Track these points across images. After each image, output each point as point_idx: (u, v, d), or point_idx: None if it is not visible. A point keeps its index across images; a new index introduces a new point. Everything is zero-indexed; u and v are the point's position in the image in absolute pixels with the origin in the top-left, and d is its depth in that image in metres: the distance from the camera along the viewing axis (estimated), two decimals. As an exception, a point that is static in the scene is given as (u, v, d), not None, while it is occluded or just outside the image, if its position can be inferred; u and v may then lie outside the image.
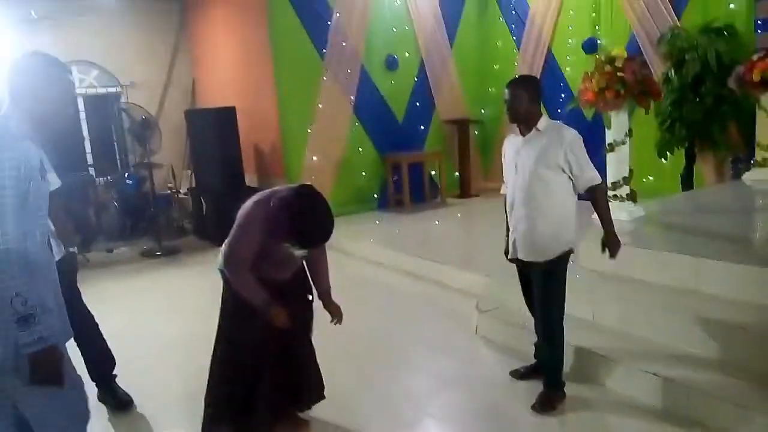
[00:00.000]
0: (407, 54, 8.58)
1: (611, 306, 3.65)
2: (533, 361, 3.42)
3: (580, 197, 3.08)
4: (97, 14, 8.57)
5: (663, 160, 6.66)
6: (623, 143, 4.61)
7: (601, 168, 7.23)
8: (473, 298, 4.52)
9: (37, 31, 8.16)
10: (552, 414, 3.05)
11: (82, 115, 8.81)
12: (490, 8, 9.16)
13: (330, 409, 3.19)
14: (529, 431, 2.97)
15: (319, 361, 3.09)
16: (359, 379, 3.59)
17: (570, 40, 7.98)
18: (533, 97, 3.00)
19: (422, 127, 8.86)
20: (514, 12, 8.74)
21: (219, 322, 2.88)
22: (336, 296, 3.00)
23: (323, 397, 3.08)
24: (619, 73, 4.36)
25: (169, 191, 8.41)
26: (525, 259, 3.09)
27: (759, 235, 4.46)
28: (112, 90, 8.92)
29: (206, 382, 2.89)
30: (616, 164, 4.66)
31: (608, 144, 4.69)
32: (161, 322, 4.93)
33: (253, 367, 2.79)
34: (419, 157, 8.56)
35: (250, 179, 8.31)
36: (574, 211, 3.05)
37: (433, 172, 8.74)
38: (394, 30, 8.44)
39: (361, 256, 6.32)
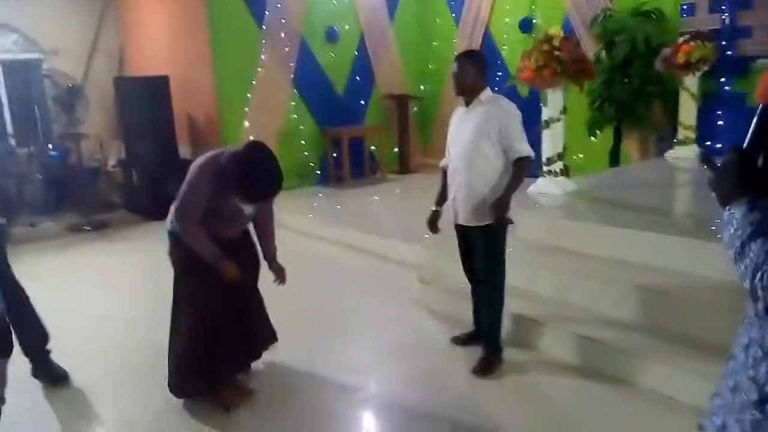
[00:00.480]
0: (347, 26, 8.50)
1: (547, 275, 3.81)
2: (472, 327, 3.54)
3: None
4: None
5: (592, 138, 6.95)
6: (558, 120, 4.77)
7: (536, 144, 7.54)
8: (414, 269, 4.61)
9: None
10: (490, 377, 3.19)
11: (0, 83, 8.24)
12: (429, -17, 9.18)
13: (276, 380, 3.20)
14: (470, 394, 3.08)
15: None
16: (304, 351, 3.60)
17: (507, 19, 8.12)
18: (479, 71, 3.14)
19: (362, 102, 8.84)
20: (453, -12, 8.80)
21: (174, 286, 2.95)
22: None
23: (276, 339, 3.26)
24: (556, 52, 4.49)
25: (96, 163, 8.03)
26: (466, 224, 3.22)
27: (680, 208, 4.77)
28: (33, 56, 8.37)
29: (168, 343, 2.98)
30: (551, 141, 4.82)
31: (544, 121, 4.84)
32: (91, 299, 4.74)
33: (213, 320, 2.87)
34: (359, 131, 8.55)
35: (184, 151, 8.04)
36: (517, 173, 3.13)
37: (372, 148, 8.75)
38: (334, 1, 8.33)
39: (303, 230, 6.28)
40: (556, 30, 4.69)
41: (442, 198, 3.40)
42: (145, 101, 7.20)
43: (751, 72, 5.86)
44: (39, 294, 3.36)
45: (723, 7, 6.04)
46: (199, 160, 2.77)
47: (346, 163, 8.12)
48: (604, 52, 6.52)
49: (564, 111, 4.81)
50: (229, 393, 3.00)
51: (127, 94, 7.57)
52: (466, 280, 3.45)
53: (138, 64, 8.84)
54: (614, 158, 6.88)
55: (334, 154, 8.27)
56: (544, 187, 4.81)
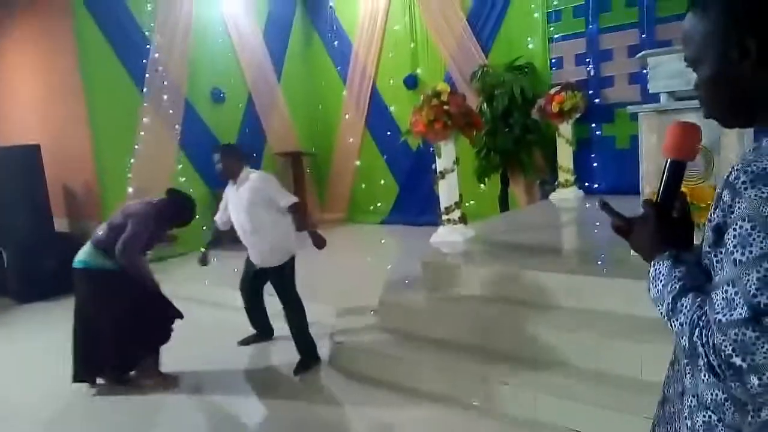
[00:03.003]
0: (233, 85, 8.41)
1: (456, 322, 3.82)
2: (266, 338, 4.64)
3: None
4: None
5: (482, 185, 7.28)
6: (452, 170, 4.92)
7: (430, 194, 7.80)
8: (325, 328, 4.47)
9: None
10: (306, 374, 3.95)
11: None
12: (314, 44, 9.35)
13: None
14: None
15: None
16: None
17: (391, 80, 8.42)
18: (236, 158, 4.13)
19: (255, 161, 8.68)
20: (338, 48, 9.01)
21: (78, 306, 3.94)
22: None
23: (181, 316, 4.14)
24: (445, 107, 4.68)
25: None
26: (263, 266, 4.19)
27: (568, 246, 5.04)
28: None
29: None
30: (448, 190, 4.95)
31: (439, 172, 4.97)
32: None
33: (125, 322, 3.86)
34: (252, 191, 8.34)
35: (60, 224, 7.44)
36: (289, 227, 4.18)
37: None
38: (219, 63, 8.23)
39: (200, 298, 5.91)
40: (443, 86, 4.90)
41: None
42: (14, 172, 6.60)
43: (616, 118, 6.46)
44: None
45: (587, 60, 6.67)
46: (137, 207, 3.97)
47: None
48: (485, 105, 6.92)
49: (457, 161, 4.98)
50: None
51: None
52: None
53: (6, 133, 8.14)
54: (503, 203, 7.24)
55: (228, 216, 7.99)
56: (445, 236, 4.91)
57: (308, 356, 4.09)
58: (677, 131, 1.10)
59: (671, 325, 0.97)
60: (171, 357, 4.14)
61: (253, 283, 4.45)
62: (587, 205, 6.02)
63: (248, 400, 3.80)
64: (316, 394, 3.74)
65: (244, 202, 4.04)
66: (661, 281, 1.01)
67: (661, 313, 1.00)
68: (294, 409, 3.56)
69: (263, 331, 4.69)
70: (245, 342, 4.66)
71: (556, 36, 6.90)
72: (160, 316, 4.07)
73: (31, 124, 7.62)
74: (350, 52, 8.80)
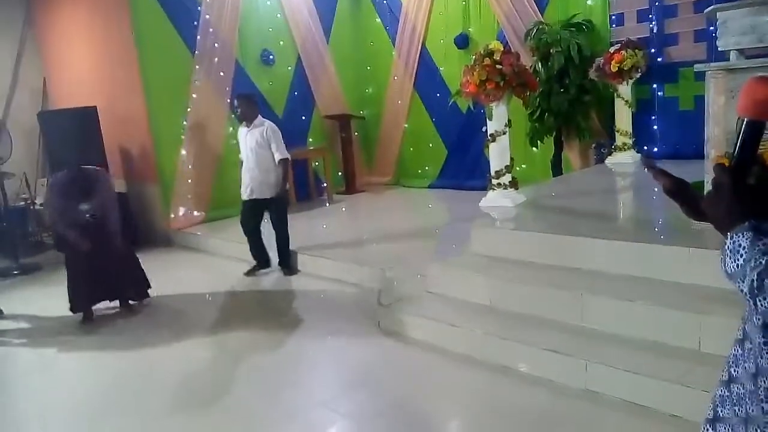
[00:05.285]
0: (283, 48, 8.37)
1: (505, 288, 3.76)
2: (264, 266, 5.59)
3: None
4: None
5: (534, 149, 7.08)
6: (504, 133, 4.79)
7: (479, 157, 7.66)
8: (372, 292, 4.50)
9: None
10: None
11: None
12: (363, 4, 9.18)
13: (237, 421, 3.01)
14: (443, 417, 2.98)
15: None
16: (267, 383, 3.41)
17: (441, 39, 8.20)
18: (253, 106, 5.38)
19: (303, 124, 8.70)
20: (387, 7, 8.82)
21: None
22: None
23: (146, 296, 4.98)
24: (498, 66, 4.52)
25: (24, 203, 7.53)
26: (260, 197, 5.28)
27: (625, 213, 4.86)
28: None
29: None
30: (498, 154, 4.83)
31: (490, 135, 4.85)
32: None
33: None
34: (302, 153, 8.39)
35: (118, 184, 7.66)
36: (284, 168, 5.33)
37: (316, 167, 8.61)
38: (269, 25, 8.20)
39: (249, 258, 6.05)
40: (496, 44, 4.73)
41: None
42: (72, 134, 6.79)
43: (680, 78, 6.11)
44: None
45: (651, 16, 6.29)
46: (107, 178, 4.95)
47: (291, 187, 7.92)
48: (539, 64, 6.65)
49: (508, 123, 4.83)
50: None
51: (52, 128, 7.13)
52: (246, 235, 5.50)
53: (63, 96, 8.39)
54: (556, 167, 7.02)
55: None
56: (495, 200, 4.81)
57: (287, 263, 5.49)
58: (755, 87, 1.00)
59: (756, 303, 0.88)
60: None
61: (250, 218, 5.38)
62: (645, 170, 5.77)
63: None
64: (366, 351, 3.77)
65: (253, 142, 5.23)
66: (741, 255, 0.91)
67: (741, 289, 0.91)
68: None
69: (263, 261, 5.56)
70: (249, 273, 5.52)
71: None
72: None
73: (89, 89, 7.81)
74: (399, 11, 8.61)
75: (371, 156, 9.53)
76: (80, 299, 4.75)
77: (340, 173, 8.96)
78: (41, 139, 7.63)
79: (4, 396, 3.73)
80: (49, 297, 5.27)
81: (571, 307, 3.36)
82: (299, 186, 8.14)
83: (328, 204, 8.19)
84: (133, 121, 7.32)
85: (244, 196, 5.37)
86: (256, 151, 5.24)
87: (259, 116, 5.34)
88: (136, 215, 7.35)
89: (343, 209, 7.89)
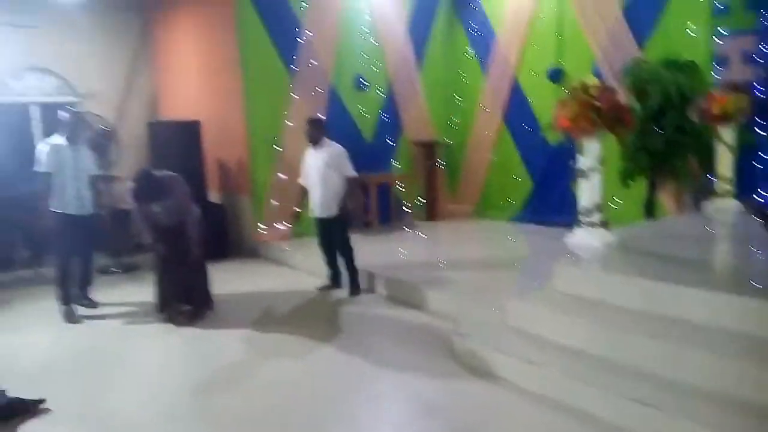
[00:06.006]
0: (375, 73, 8.60)
1: (587, 329, 3.66)
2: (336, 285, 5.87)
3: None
4: (56, 22, 8.28)
5: (626, 188, 6.84)
6: (596, 170, 4.68)
7: (566, 193, 7.49)
8: (446, 320, 4.49)
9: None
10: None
11: (37, 124, 8.44)
12: (456, 34, 9.30)
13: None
14: None
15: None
16: (334, 405, 3.48)
17: (535, 69, 8.16)
18: (322, 129, 5.67)
19: (390, 148, 8.87)
20: (481, 38, 8.89)
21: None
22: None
23: (209, 308, 5.32)
24: (593, 102, 4.45)
25: (127, 206, 8.07)
26: (325, 216, 5.58)
27: (722, 263, 4.60)
28: (70, 99, 8.58)
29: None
30: (589, 191, 4.71)
31: (580, 171, 4.75)
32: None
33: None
34: (386, 177, 8.55)
35: (213, 195, 8.10)
36: (352, 187, 5.59)
37: (399, 191, 8.73)
38: (363, 50, 8.46)
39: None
40: (592, 79, 4.66)
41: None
42: (176, 146, 7.29)
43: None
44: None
45: (758, 58, 6.00)
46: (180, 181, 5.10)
47: (374, 209, 8.08)
48: (636, 102, 6.47)
49: (601, 161, 4.73)
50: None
51: (159, 138, 7.68)
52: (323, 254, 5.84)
53: (171, 107, 9.02)
54: (649, 210, 6.75)
55: (363, 199, 8.25)
56: (582, 239, 4.69)
57: (357, 287, 5.69)
58: None
59: None
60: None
61: (322, 236, 5.74)
62: (747, 220, 5.45)
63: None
64: (436, 381, 3.76)
65: (321, 162, 5.51)
66: None
67: None
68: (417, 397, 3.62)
69: (335, 279, 5.87)
70: (322, 289, 5.83)
71: (722, 31, 6.28)
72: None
73: (194, 102, 8.35)
74: (493, 42, 8.65)
75: (455, 184, 9.55)
76: (162, 299, 5.19)
77: (422, 199, 9.03)
78: (148, 147, 8.18)
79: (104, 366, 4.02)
80: (143, 294, 5.63)
81: (661, 357, 3.22)
82: (381, 209, 8.27)
83: (408, 229, 8.26)
84: (231, 136, 7.74)
85: (313, 215, 5.69)
86: (322, 171, 5.49)
87: (326, 138, 5.63)
88: (228, 226, 7.71)
89: (423, 235, 7.93)
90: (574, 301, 3.96)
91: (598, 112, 4.47)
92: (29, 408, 3.45)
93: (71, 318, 5.34)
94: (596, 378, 3.28)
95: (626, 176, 6.65)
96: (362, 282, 5.83)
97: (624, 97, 6.61)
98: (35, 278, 6.72)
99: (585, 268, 4.24)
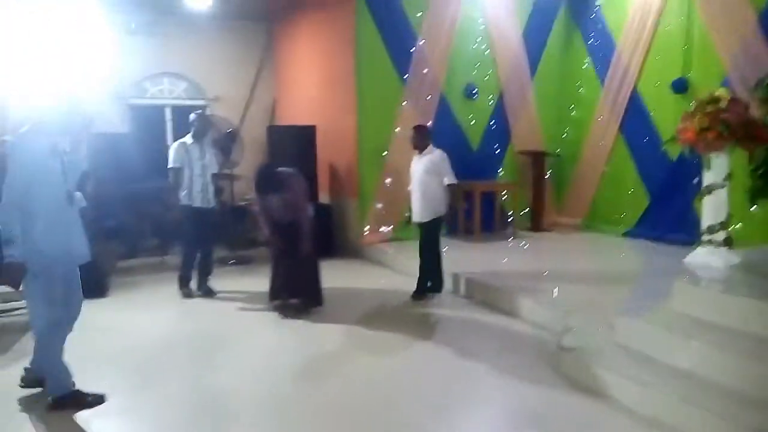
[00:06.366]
0: (486, 81, 8.58)
1: (706, 353, 3.46)
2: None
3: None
4: (189, 30, 9.03)
5: (754, 207, 6.35)
6: (722, 186, 4.42)
7: (686, 210, 7.08)
8: (546, 331, 4.41)
9: (133, 41, 8.66)
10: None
11: (169, 125, 9.21)
12: (574, 43, 9.07)
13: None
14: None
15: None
16: (436, 414, 3.53)
17: (657, 81, 7.78)
18: (426, 136, 5.78)
19: (497, 157, 8.81)
20: (599, 48, 8.62)
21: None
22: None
23: (319, 303, 5.44)
24: (723, 115, 4.21)
25: (245, 203, 8.62)
26: (418, 220, 5.68)
27: None
28: (199, 102, 9.31)
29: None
30: (714, 208, 4.46)
31: (705, 186, 4.50)
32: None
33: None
34: (492, 186, 8.50)
35: (323, 197, 8.44)
36: (443, 195, 5.60)
37: (504, 201, 8.64)
38: (476, 59, 8.48)
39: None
40: (722, 91, 4.41)
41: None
42: (292, 148, 7.69)
43: None
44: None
45: None
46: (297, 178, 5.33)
47: (477, 216, 8.05)
48: (770, 117, 6.00)
49: (728, 177, 4.45)
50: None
51: (277, 141, 8.14)
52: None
53: (288, 114, 9.52)
54: (779, 231, 6.23)
55: (465, 206, 8.26)
56: (703, 258, 4.43)
57: (422, 290, 5.75)
58: None
59: None
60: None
61: (421, 242, 5.74)
62: None
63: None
64: (540, 390, 3.70)
65: (422, 168, 5.62)
66: None
67: None
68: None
69: (436, 285, 5.78)
70: (416, 297, 5.74)
71: None
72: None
73: (310, 108, 8.76)
74: (612, 53, 8.35)
75: (562, 196, 9.30)
76: (273, 290, 5.47)
77: (527, 209, 8.88)
78: (267, 149, 8.68)
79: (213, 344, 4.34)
80: (257, 285, 6.00)
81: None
82: (485, 217, 8.22)
83: (512, 238, 8.15)
84: (343, 140, 8.03)
85: (413, 220, 5.79)
86: (422, 177, 5.59)
87: (431, 145, 5.70)
88: (335, 226, 8.01)
89: (527, 246, 7.79)
90: (691, 323, 3.76)
91: (726, 125, 4.22)
92: (88, 402, 3.51)
93: (188, 295, 5.95)
94: (711, 404, 3.09)
95: (755, 195, 6.16)
96: (461, 288, 5.94)
97: (757, 110, 6.19)
98: (161, 265, 7.31)
99: (706, 289, 4.00)
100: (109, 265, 6.78)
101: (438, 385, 3.83)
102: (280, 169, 5.21)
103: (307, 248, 5.26)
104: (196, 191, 5.86)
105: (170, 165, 5.87)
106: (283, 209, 5.19)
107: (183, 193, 5.84)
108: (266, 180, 5.05)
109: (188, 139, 5.96)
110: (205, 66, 9.34)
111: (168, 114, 9.28)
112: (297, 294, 5.41)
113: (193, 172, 5.85)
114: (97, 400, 3.56)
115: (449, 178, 5.58)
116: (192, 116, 6.13)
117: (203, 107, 9.28)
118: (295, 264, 5.30)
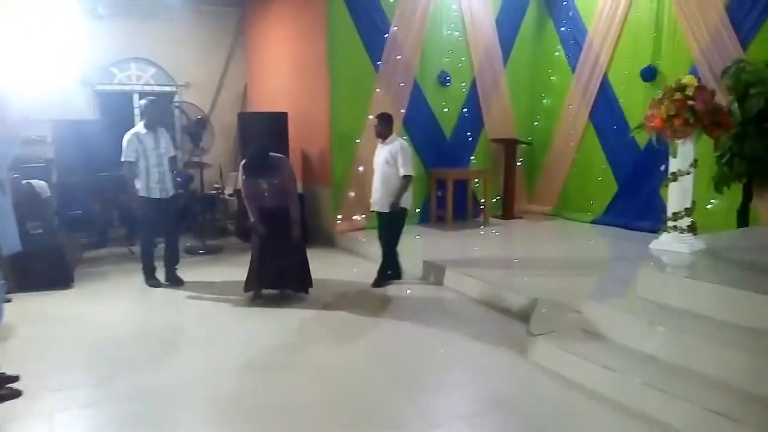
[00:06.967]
0: (459, 68, 8.57)
1: (668, 338, 3.52)
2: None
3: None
4: (158, 15, 8.81)
5: (719, 194, 6.48)
6: (688, 173, 4.46)
7: (653, 197, 7.20)
8: (518, 318, 4.44)
9: (101, 27, 8.43)
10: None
11: (138, 112, 9.01)
12: (547, 30, 9.10)
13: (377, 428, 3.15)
14: None
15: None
16: (405, 398, 3.54)
17: (627, 68, 7.86)
18: (389, 125, 5.71)
19: (469, 144, 8.82)
20: (571, 35, 8.66)
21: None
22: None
23: (305, 291, 5.41)
24: (689, 102, 4.25)
25: (215, 191, 8.51)
26: (377, 210, 5.72)
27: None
28: (168, 89, 9.11)
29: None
30: (680, 194, 4.50)
31: (671, 173, 4.55)
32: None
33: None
34: (464, 174, 8.52)
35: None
36: (403, 184, 5.54)
37: (475, 188, 8.67)
38: (449, 46, 8.45)
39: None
40: (689, 79, 4.45)
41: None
42: (264, 135, 7.55)
43: None
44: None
45: None
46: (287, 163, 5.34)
47: (450, 204, 8.07)
48: (735, 105, 6.11)
49: (694, 164, 4.51)
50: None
51: (248, 127, 8.00)
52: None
53: (259, 100, 9.38)
54: (742, 218, 6.36)
55: (438, 194, 8.27)
56: (669, 244, 4.50)
57: (382, 278, 5.81)
58: None
59: None
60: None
61: (380, 231, 5.80)
62: None
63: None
64: (508, 376, 3.74)
65: (383, 157, 5.61)
66: None
67: None
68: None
69: (395, 273, 5.91)
70: (376, 284, 5.77)
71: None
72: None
73: (282, 95, 8.64)
74: (584, 40, 8.40)
75: (533, 184, 9.38)
76: (252, 281, 5.30)
77: (498, 197, 8.93)
78: (238, 136, 8.56)
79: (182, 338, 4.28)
80: (226, 275, 5.92)
81: (748, 371, 3.06)
82: (456, 205, 8.24)
83: (483, 226, 8.20)
84: (315, 128, 7.95)
85: (372, 205, 5.81)
86: (383, 167, 5.58)
87: (394, 134, 5.72)
88: (308, 215, 7.94)
89: (498, 233, 7.84)
90: (656, 308, 3.82)
91: (693, 112, 4.27)
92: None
93: (155, 285, 5.84)
94: (674, 387, 3.16)
95: (721, 182, 6.29)
96: (431, 275, 5.95)
97: (723, 98, 6.30)
98: (129, 255, 7.18)
99: (670, 274, 4.06)
100: (75, 255, 6.64)
101: (407, 371, 3.84)
102: (272, 153, 5.10)
103: (297, 234, 5.23)
104: (153, 183, 5.61)
105: (123, 158, 5.57)
106: (272, 194, 5.12)
107: (140, 185, 5.60)
108: (257, 162, 4.94)
109: (141, 128, 5.64)
110: (174, 51, 9.14)
111: (136, 100, 9.06)
112: (284, 282, 5.32)
113: (149, 162, 5.58)
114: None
115: (405, 170, 5.50)
116: (142, 102, 5.81)
117: (172, 93, 9.11)
118: (283, 252, 5.19)
